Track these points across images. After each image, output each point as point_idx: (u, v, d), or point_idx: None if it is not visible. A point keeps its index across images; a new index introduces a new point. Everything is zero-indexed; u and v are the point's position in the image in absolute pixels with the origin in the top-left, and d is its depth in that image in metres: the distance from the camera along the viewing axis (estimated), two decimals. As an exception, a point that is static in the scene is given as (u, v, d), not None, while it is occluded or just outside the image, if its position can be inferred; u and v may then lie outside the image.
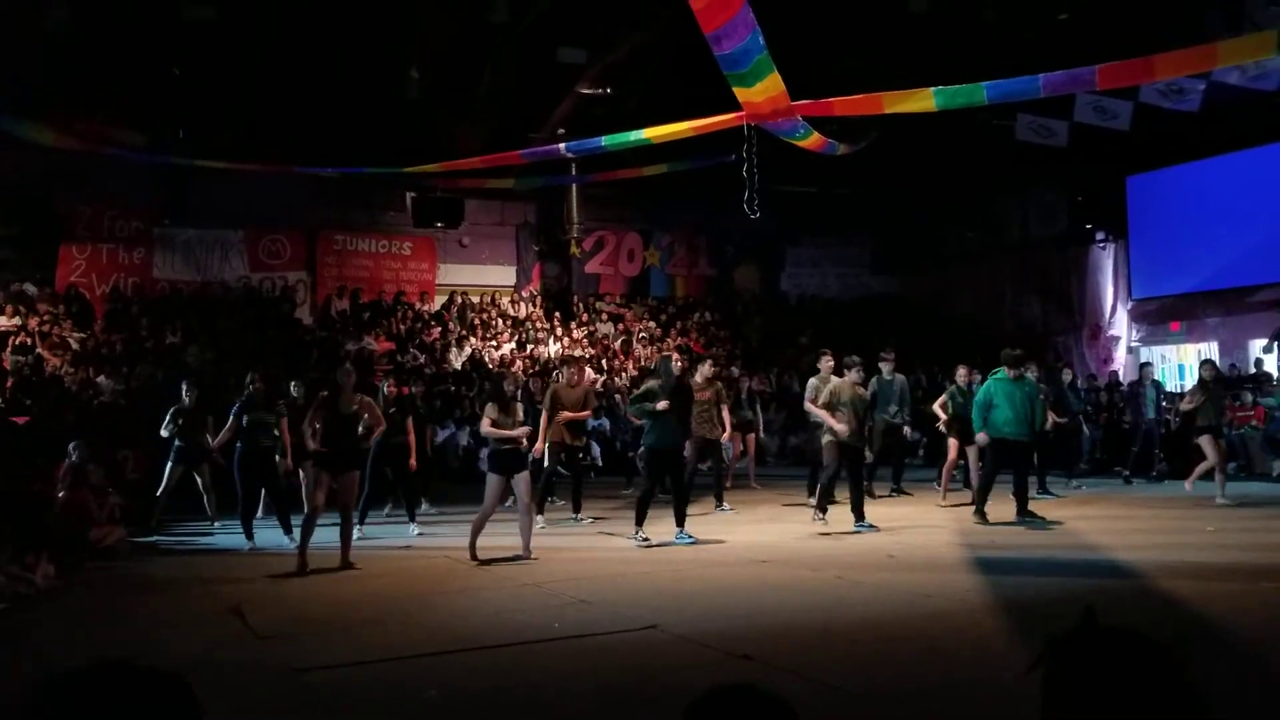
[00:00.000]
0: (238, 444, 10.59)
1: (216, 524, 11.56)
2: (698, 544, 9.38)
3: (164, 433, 11.54)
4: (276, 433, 10.75)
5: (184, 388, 11.87)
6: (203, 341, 18.22)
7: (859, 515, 10.18)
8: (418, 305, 21.79)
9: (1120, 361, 21.31)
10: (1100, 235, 21.67)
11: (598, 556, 9.16)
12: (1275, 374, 17.33)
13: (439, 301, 22.21)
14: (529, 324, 22.25)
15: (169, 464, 11.56)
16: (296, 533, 9.15)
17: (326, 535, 8.93)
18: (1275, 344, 17.65)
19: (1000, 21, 15.79)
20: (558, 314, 22.78)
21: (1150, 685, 1.36)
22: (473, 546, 8.77)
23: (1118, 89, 15.28)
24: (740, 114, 10.40)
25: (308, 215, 21.09)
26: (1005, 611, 6.39)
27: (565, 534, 10.58)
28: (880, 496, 12.92)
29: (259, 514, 11.04)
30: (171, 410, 11.65)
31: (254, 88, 17.98)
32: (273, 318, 20.20)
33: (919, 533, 10.07)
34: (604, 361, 21.53)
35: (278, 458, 10.73)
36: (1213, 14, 15.48)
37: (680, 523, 9.59)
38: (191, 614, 7.03)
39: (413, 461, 11.21)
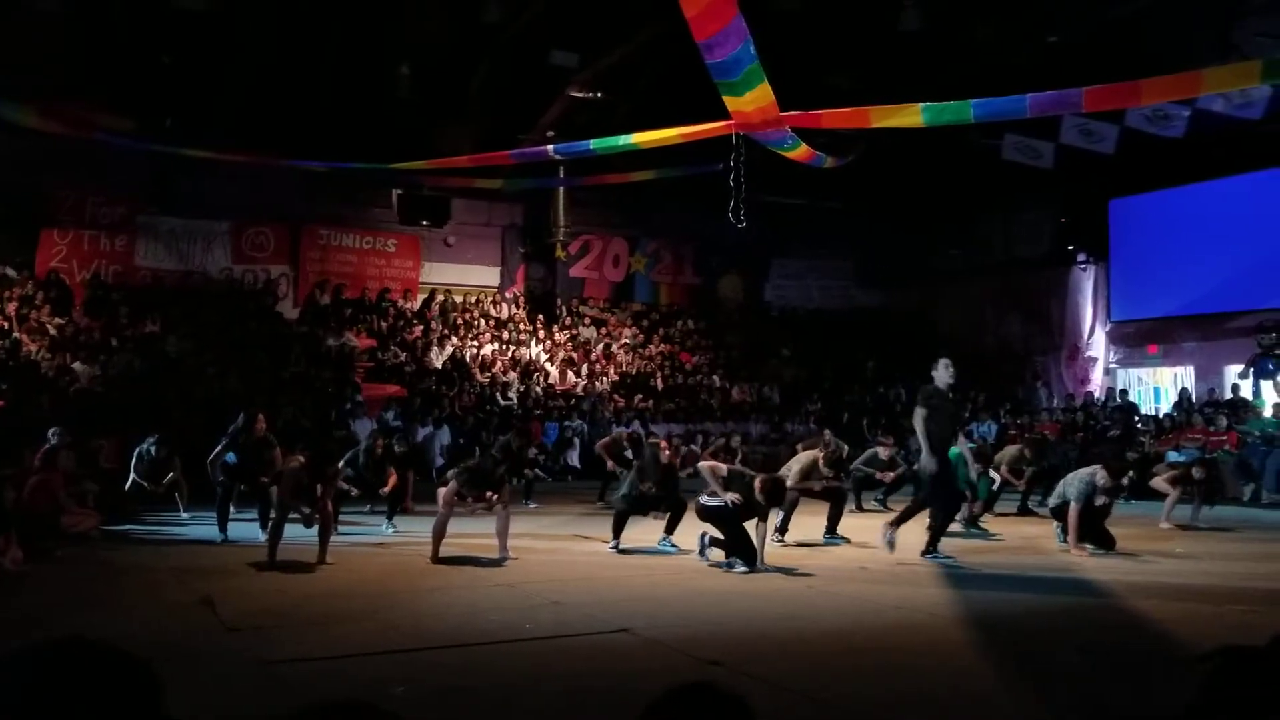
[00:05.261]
0: (228, 456, 10.50)
1: (187, 514, 11.51)
2: (675, 551, 9.40)
3: (131, 477, 11.61)
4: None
5: (152, 441, 11.75)
6: (182, 332, 18.13)
7: (830, 530, 10.26)
8: (400, 303, 21.74)
9: (1097, 382, 21.49)
10: (1082, 257, 21.87)
11: (574, 559, 9.17)
12: (1252, 400, 17.50)
13: (422, 300, 22.17)
14: (511, 325, 22.24)
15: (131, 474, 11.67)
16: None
17: (306, 530, 8.91)
18: (1251, 370, 17.82)
19: (990, 42, 15.91)
20: (541, 316, 22.78)
21: None
22: (435, 550, 8.74)
23: (1104, 112, 15.43)
24: (729, 123, 10.44)
25: (293, 209, 21.04)
26: (973, 625, 6.43)
27: (540, 535, 10.56)
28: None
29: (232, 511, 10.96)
30: (136, 453, 11.66)
31: (244, 79, 17.93)
32: (254, 310, 20.12)
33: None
34: (585, 366, 21.54)
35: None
36: (1201, 42, 15.63)
37: (670, 530, 9.60)
38: (161, 603, 6.98)
39: (385, 490, 11.34)
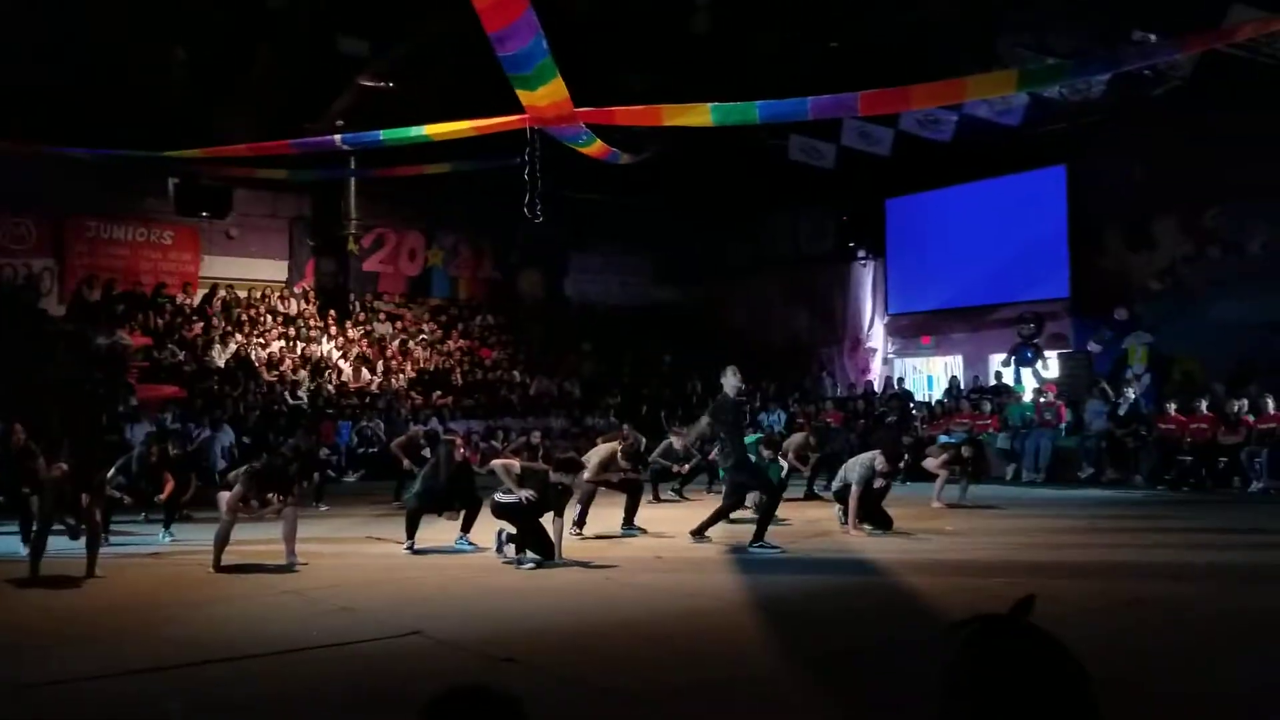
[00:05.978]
0: None
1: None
2: (473, 549, 9.32)
3: None
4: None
5: None
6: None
7: (628, 521, 10.44)
8: (179, 299, 20.56)
9: (876, 372, 22.73)
10: (862, 253, 23.03)
11: (366, 562, 8.94)
12: (1013, 386, 18.88)
13: (202, 295, 21.02)
14: (301, 321, 21.42)
15: None
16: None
17: (73, 543, 8.32)
18: (1012, 359, 19.25)
19: (775, 46, 16.46)
20: (332, 312, 22.01)
21: (1062, 692, 1.40)
22: (217, 558, 8.32)
23: (880, 116, 16.28)
24: (524, 117, 10.39)
25: (57, 198, 19.47)
26: (762, 609, 6.69)
27: (331, 539, 10.24)
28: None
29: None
30: None
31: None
32: (14, 308, 18.54)
33: (687, 536, 10.33)
34: (380, 363, 21.01)
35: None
36: (966, 53, 16.70)
37: (466, 529, 9.48)
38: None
39: (162, 497, 10.69)
